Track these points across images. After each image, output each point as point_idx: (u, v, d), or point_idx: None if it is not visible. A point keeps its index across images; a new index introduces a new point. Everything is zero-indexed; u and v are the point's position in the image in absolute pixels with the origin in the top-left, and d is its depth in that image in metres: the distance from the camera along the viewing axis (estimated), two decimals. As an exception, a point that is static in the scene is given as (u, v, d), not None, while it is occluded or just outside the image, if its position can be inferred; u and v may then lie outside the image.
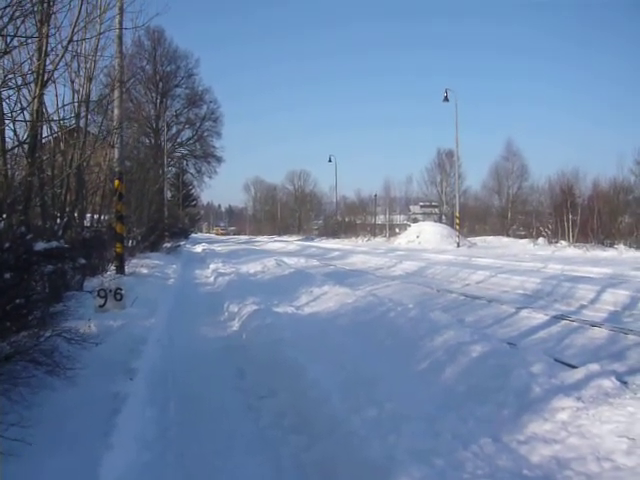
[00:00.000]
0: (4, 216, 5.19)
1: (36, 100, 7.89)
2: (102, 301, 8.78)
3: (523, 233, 45.59)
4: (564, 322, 8.98)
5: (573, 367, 5.49)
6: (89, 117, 11.70)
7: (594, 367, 4.97)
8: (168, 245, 29.01)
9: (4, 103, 7.15)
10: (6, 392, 4.11)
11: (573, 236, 35.09)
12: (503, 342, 6.45)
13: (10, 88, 6.73)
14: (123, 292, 8.97)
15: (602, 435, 3.89)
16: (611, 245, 31.27)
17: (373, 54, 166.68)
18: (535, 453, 3.90)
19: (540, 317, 9.40)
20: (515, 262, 20.61)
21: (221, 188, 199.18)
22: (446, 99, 40.02)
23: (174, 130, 59.74)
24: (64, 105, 9.67)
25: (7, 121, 7.26)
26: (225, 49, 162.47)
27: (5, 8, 4.95)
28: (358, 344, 7.28)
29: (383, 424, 4.39)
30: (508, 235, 46.15)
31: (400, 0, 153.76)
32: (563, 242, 33.84)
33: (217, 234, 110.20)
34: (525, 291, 13.09)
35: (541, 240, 35.81)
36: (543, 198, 45.87)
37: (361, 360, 6.20)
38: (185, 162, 62.80)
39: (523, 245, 35.63)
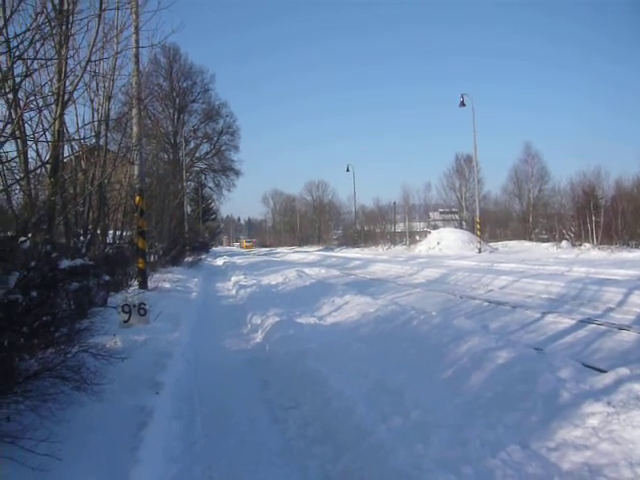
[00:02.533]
0: (29, 235, 5.26)
1: (57, 121, 8.01)
2: (126, 316, 8.85)
3: (546, 237, 45.11)
4: (591, 326, 8.86)
5: (602, 371, 5.41)
6: (109, 135, 11.85)
7: (624, 371, 4.89)
8: (189, 259, 29.19)
9: (26, 125, 7.27)
10: (35, 408, 4.15)
11: (597, 238, 34.67)
12: (529, 347, 6.37)
13: (32, 110, 6.84)
14: (147, 307, 9.04)
15: (634, 440, 3.81)
16: (637, 246, 30.81)
17: (388, 62, 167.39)
18: (566, 460, 3.84)
19: (566, 321, 9.29)
20: (538, 266, 20.38)
21: (240, 201, 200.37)
22: (462, 104, 39.83)
23: (192, 145, 60.23)
24: (84, 124, 9.80)
25: (30, 142, 7.38)
26: (240, 62, 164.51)
27: (25, 32, 5.05)
28: (381, 353, 7.24)
29: (409, 433, 4.37)
30: (530, 239, 45.75)
31: (416, 8, 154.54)
32: (587, 244, 33.38)
33: (243, 247, 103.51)
34: (550, 295, 12.94)
35: (564, 243, 35.35)
36: (565, 200, 45.38)
37: (385, 369, 6.16)
38: (204, 176, 63.29)
39: (546, 249, 35.19)
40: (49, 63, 7.15)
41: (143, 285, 13.27)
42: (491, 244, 42.50)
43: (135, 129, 13.45)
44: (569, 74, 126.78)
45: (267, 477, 4.23)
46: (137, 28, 12.04)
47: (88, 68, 8.55)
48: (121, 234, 14.66)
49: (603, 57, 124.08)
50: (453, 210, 67.60)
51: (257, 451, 4.70)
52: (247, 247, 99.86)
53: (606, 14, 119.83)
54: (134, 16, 11.80)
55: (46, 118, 8.19)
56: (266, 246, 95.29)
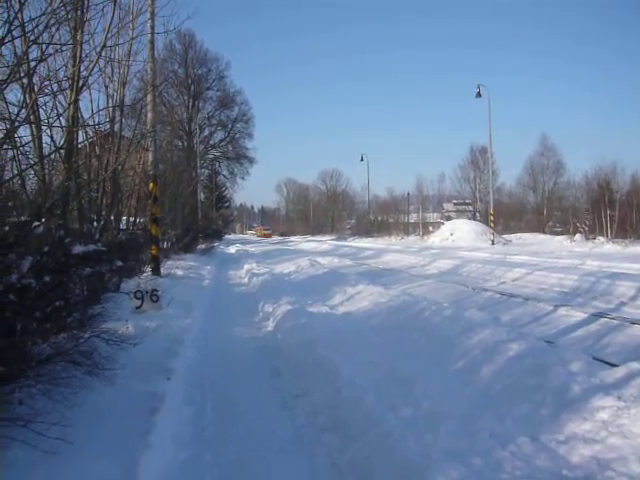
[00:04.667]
0: (43, 220, 5.28)
1: (72, 106, 8.03)
2: (139, 302, 8.91)
3: (560, 230, 44.73)
4: (603, 320, 8.81)
5: (613, 365, 5.38)
6: (123, 121, 11.87)
7: (635, 365, 4.86)
8: (202, 246, 29.31)
9: (41, 110, 7.30)
10: (48, 392, 4.19)
11: (611, 232, 34.41)
12: (541, 340, 6.35)
13: (46, 95, 6.87)
14: (159, 293, 9.09)
15: (644, 435, 3.80)
16: (651, 241, 30.51)
17: (404, 53, 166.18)
18: (575, 453, 3.83)
19: (578, 315, 9.24)
20: (552, 259, 20.26)
21: (254, 189, 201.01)
22: (479, 95, 39.59)
23: (206, 132, 60.40)
24: (99, 110, 9.84)
25: (44, 127, 7.41)
26: (256, 48, 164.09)
27: (40, 16, 5.05)
28: (393, 343, 7.25)
29: (419, 423, 4.37)
30: (544, 232, 45.35)
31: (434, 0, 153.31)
32: (601, 238, 33.12)
33: (260, 235, 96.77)
34: (562, 289, 12.87)
35: (578, 236, 35.09)
36: (580, 194, 44.95)
37: (396, 359, 6.17)
38: (218, 164, 63.40)
39: (560, 242, 34.96)
40: (64, 48, 7.16)
41: (156, 272, 13.34)
42: (505, 236, 42.26)
43: (149, 116, 13.48)
44: (586, 70, 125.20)
45: (276, 464, 4.25)
46: (153, 14, 12.03)
47: (103, 53, 8.59)
48: (134, 220, 14.73)
49: (615, 53, 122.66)
50: (467, 201, 67.15)
51: (267, 438, 4.71)
52: (265, 235, 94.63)
53: (616, 10, 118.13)
54: (150, 1, 11.79)
55: (60, 103, 8.20)
56: (283, 234, 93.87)
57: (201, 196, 47.30)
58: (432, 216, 70.44)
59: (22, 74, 5.72)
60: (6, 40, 4.80)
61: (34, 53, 5.62)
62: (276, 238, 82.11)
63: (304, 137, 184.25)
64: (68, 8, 5.93)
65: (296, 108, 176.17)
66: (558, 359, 5.31)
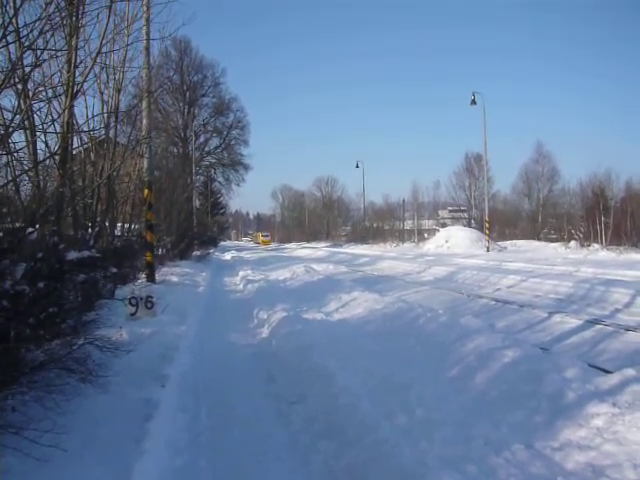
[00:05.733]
0: (37, 226, 5.26)
1: (66, 112, 8.01)
2: (133, 309, 8.88)
3: (554, 237, 44.87)
4: (598, 326, 8.82)
5: (608, 372, 5.38)
6: (118, 127, 11.85)
7: (630, 372, 4.86)
8: (197, 253, 29.25)
9: (35, 115, 7.28)
10: (40, 399, 4.17)
11: (606, 239, 34.51)
12: (535, 347, 6.34)
13: (41, 100, 6.85)
14: (154, 300, 9.06)
15: (639, 442, 3.79)
16: (646, 247, 30.61)
17: (400, 59, 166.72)
18: (569, 460, 3.82)
19: (573, 322, 9.25)
20: (547, 266, 20.30)
21: (249, 196, 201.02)
22: (474, 102, 39.68)
23: (202, 139, 60.31)
24: (94, 116, 9.79)
25: (38, 133, 7.39)
26: (252, 54, 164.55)
27: (35, 22, 5.05)
28: (388, 350, 7.23)
29: (414, 430, 4.36)
30: (539, 239, 45.47)
31: (430, 7, 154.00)
32: (595, 245, 33.25)
33: (259, 242, 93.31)
34: (557, 295, 12.88)
35: (573, 243, 35.18)
36: (574, 201, 45.14)
37: (391, 366, 6.15)
38: (213, 170, 63.30)
39: (554, 249, 35.05)
40: (59, 54, 7.15)
41: (151, 278, 13.30)
42: (500, 243, 42.35)
43: (145, 122, 13.45)
44: (581, 75, 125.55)
45: (271, 470, 4.23)
46: (148, 20, 12.01)
47: (98, 60, 8.54)
48: (129, 227, 14.70)
49: (613, 58, 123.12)
50: (462, 208, 67.42)
51: (262, 444, 4.70)
52: (264, 242, 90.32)
53: (617, 15, 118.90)
54: (145, 8, 11.78)
55: (55, 109, 8.22)
56: (282, 241, 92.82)
57: (196, 203, 47.30)
58: (427, 223, 70.55)
59: (16, 79, 5.71)
60: (0, 45, 4.78)
61: (29, 59, 5.63)
62: (272, 245, 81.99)
63: (299, 144, 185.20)
64: (63, 14, 5.94)
65: (291, 114, 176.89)
66: (553, 366, 5.31)
